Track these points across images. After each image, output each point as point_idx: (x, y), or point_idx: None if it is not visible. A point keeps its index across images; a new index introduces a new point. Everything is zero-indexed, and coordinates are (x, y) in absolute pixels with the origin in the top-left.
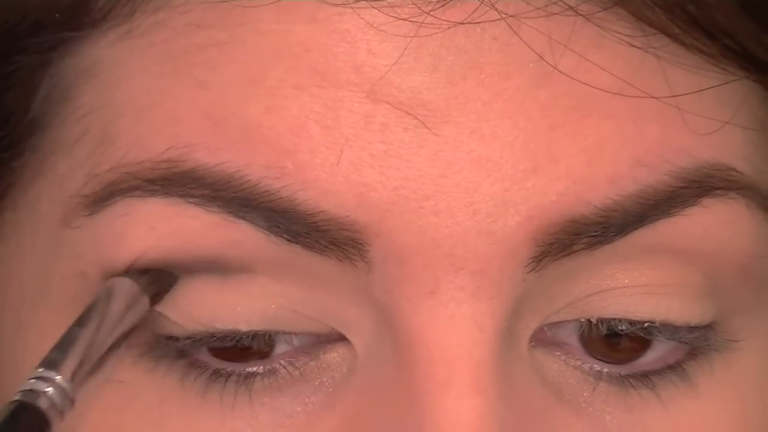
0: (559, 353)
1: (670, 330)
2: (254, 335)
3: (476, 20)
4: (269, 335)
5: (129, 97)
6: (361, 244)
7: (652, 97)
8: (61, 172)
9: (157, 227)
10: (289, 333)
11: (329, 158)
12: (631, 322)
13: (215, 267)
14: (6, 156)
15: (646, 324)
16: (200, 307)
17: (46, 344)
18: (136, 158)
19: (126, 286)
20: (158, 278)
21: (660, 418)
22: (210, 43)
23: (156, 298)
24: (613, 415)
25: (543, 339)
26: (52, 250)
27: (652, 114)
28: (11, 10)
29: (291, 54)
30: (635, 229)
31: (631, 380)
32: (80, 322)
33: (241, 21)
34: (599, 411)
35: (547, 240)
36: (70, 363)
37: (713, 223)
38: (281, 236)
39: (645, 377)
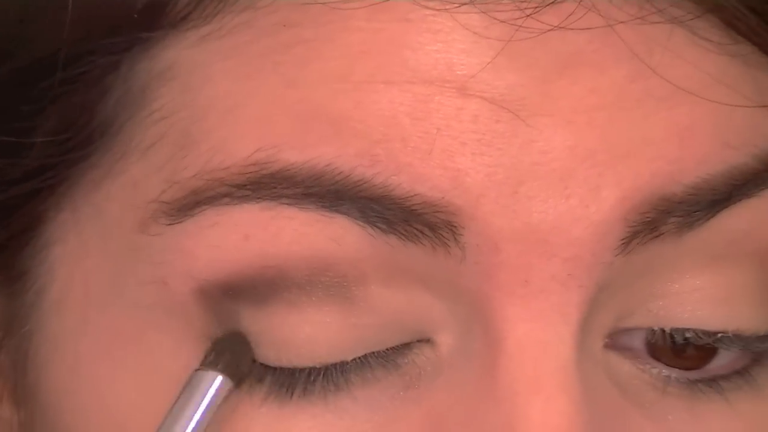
0: (628, 356)
1: (742, 340)
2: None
3: (572, 26)
4: None
5: (211, 99)
6: (455, 227)
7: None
8: (135, 175)
9: (253, 235)
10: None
11: (421, 146)
12: (704, 333)
13: (317, 277)
14: (74, 156)
15: (719, 334)
16: (303, 344)
17: (117, 345)
18: (221, 163)
19: (216, 383)
20: (235, 355)
21: (726, 421)
22: (296, 41)
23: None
24: (678, 417)
25: (613, 344)
26: (124, 254)
27: (739, 103)
28: (88, 10)
29: (381, 50)
30: (720, 210)
31: (699, 385)
32: (172, 420)
33: (330, 19)
34: (664, 413)
35: (638, 220)
36: None
37: None
38: (377, 226)
39: (713, 382)
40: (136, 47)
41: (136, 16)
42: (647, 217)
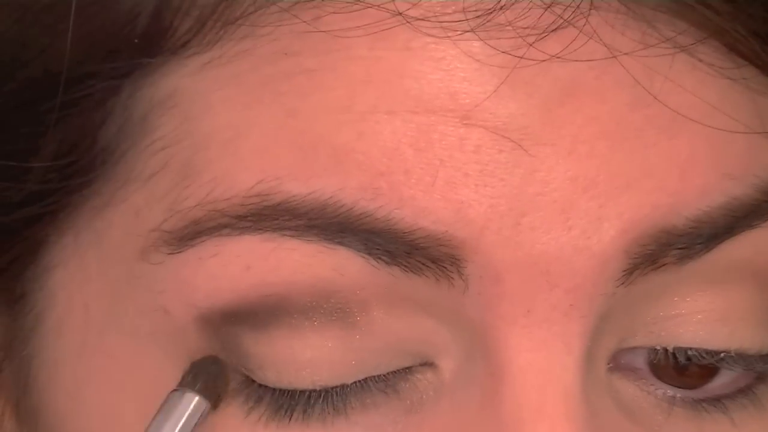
0: (632, 378)
1: (744, 359)
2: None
3: (574, 56)
4: None
5: (212, 129)
6: (459, 260)
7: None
8: (137, 203)
9: (254, 266)
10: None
11: (424, 178)
12: (707, 352)
13: (319, 304)
14: (75, 183)
15: (721, 354)
16: (304, 367)
17: (116, 369)
18: (223, 194)
19: (193, 403)
20: (212, 377)
21: None
22: (297, 71)
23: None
24: None
25: (616, 364)
26: (125, 281)
27: (740, 131)
28: (88, 34)
29: (383, 80)
30: (721, 241)
31: (704, 405)
32: None
33: (331, 48)
34: None
35: (639, 252)
36: None
37: None
38: (380, 258)
39: (718, 401)
40: (136, 72)
41: (136, 40)
42: (648, 249)
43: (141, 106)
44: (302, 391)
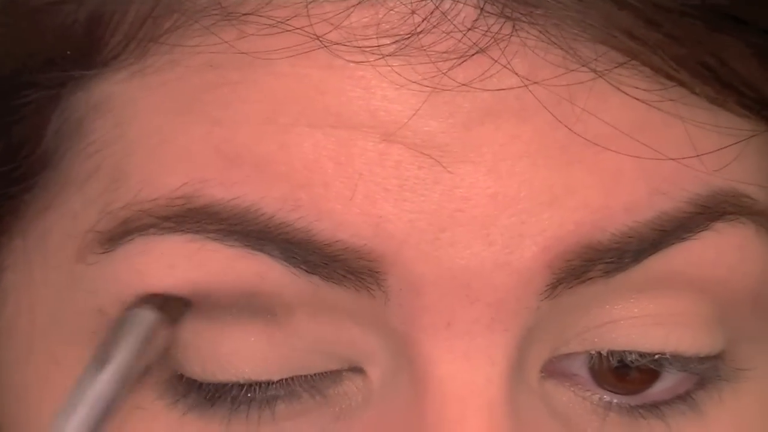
0: (568, 384)
1: (680, 361)
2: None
3: (491, 83)
4: None
5: (141, 133)
6: (377, 273)
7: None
8: (74, 206)
9: (178, 264)
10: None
11: (344, 192)
12: (642, 354)
13: (243, 302)
14: (16, 189)
15: (656, 356)
16: (226, 358)
17: (59, 375)
18: (149, 195)
19: (146, 318)
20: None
21: None
22: (222, 82)
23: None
24: None
25: (553, 370)
26: (65, 284)
27: (668, 146)
28: (22, 45)
29: (305, 96)
30: (650, 255)
31: (640, 410)
32: (97, 361)
33: (254, 64)
34: None
35: (563, 267)
36: (86, 412)
37: (724, 247)
38: (299, 267)
39: (655, 407)
40: (71, 83)
41: (68, 52)
42: (572, 265)
43: (77, 111)
44: (228, 388)
